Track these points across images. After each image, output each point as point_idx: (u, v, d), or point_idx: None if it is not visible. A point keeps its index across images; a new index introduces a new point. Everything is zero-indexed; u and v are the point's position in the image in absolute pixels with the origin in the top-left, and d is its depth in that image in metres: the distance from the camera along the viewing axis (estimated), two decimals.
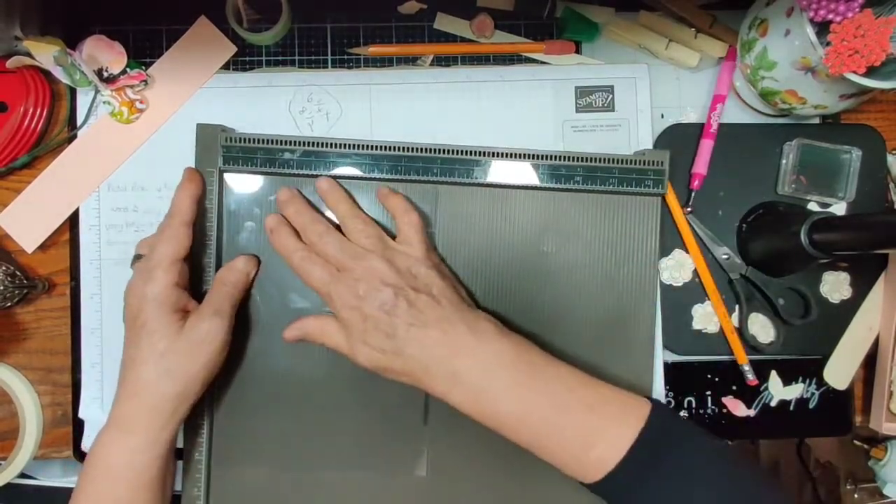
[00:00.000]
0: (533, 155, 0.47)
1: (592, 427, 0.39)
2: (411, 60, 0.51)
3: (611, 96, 0.50)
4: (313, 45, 0.51)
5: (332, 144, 0.46)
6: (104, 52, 0.47)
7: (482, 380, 0.40)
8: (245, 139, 0.46)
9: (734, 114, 0.52)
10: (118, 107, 0.47)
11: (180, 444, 0.46)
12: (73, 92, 0.49)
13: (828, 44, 0.40)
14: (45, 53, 0.45)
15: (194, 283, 0.46)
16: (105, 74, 0.47)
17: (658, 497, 0.38)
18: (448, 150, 0.46)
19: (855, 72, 0.40)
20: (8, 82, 0.47)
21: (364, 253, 0.42)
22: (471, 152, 0.46)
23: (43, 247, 0.49)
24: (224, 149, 0.46)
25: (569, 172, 0.46)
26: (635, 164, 0.47)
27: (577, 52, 0.51)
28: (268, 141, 0.46)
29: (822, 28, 0.41)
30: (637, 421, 0.39)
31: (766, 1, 0.46)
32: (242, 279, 0.45)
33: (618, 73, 0.50)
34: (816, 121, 0.52)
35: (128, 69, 0.47)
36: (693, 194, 0.50)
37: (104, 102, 0.47)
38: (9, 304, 0.48)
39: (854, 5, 0.40)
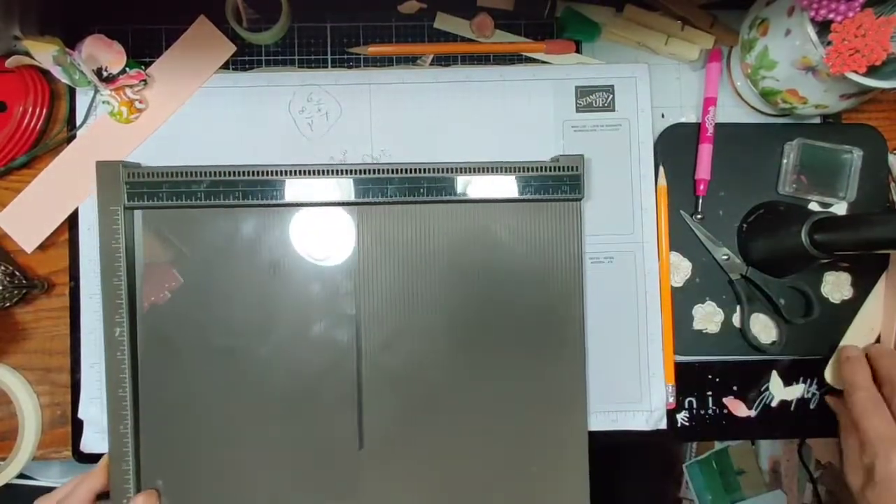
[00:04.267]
0: (448, 168, 0.46)
1: None
2: (411, 60, 0.51)
3: (611, 96, 0.50)
4: (313, 45, 0.51)
5: (239, 173, 0.45)
6: (103, 52, 0.47)
7: None
8: (149, 173, 0.45)
9: (735, 114, 0.52)
10: (117, 106, 0.47)
11: None
12: (72, 91, 0.49)
13: (829, 43, 0.40)
14: (44, 53, 0.45)
15: (108, 330, 0.45)
16: (104, 74, 0.47)
17: None
18: (362, 171, 0.46)
19: (856, 71, 0.40)
20: (7, 82, 0.47)
21: None
22: (385, 170, 0.46)
23: (42, 247, 0.49)
24: (128, 185, 0.45)
25: (484, 184, 0.46)
26: (550, 171, 0.46)
27: (578, 51, 0.51)
28: (173, 174, 0.45)
29: (823, 27, 0.41)
30: None
31: (766, 1, 0.46)
32: None
33: (618, 72, 0.50)
34: (817, 120, 0.52)
35: (127, 69, 0.47)
36: (700, 200, 0.50)
37: (103, 102, 0.47)
38: (8, 304, 0.48)
39: (855, 5, 0.40)
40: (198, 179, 0.45)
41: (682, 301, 0.50)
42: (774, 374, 0.51)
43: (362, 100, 0.49)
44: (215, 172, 0.45)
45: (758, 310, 0.50)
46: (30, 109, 0.47)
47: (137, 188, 0.45)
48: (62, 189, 0.48)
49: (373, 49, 0.50)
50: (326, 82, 0.49)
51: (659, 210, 0.50)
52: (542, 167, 0.46)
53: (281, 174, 0.45)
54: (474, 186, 0.46)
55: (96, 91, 0.47)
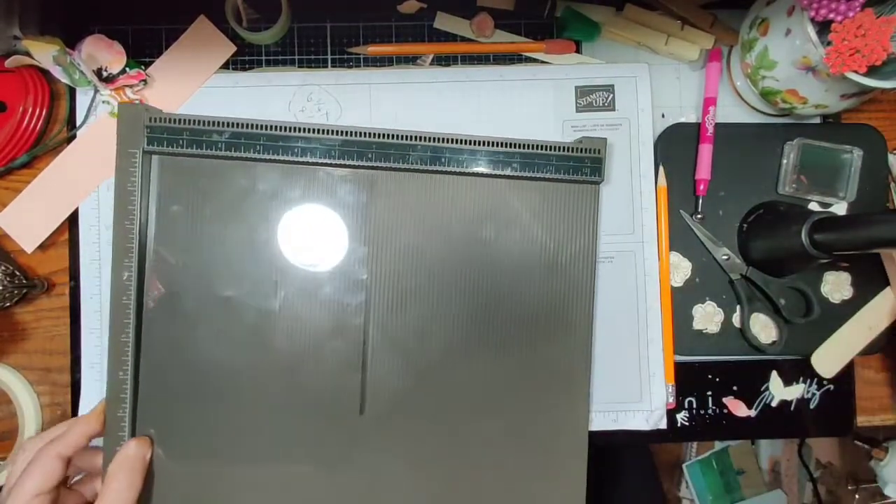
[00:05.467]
0: (470, 140, 0.46)
1: None
2: (411, 60, 0.51)
3: (611, 96, 0.50)
4: (313, 45, 0.51)
5: (262, 126, 0.45)
6: (103, 52, 0.47)
7: None
8: (171, 119, 0.45)
9: (735, 113, 0.52)
10: (117, 106, 0.47)
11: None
12: (72, 91, 0.49)
13: (829, 43, 0.40)
14: (44, 53, 0.45)
15: (115, 276, 0.44)
16: (104, 74, 0.47)
17: None
18: (384, 135, 0.46)
19: (856, 71, 0.40)
20: (7, 82, 0.47)
21: None
22: (408, 137, 0.46)
23: (42, 247, 0.49)
24: (148, 129, 0.44)
25: (507, 159, 0.46)
26: (572, 151, 0.47)
27: (578, 51, 0.51)
28: (195, 122, 0.45)
29: (823, 27, 0.41)
30: None
31: (766, 0, 0.46)
32: (139, 468, 0.42)
33: (618, 72, 0.50)
34: (817, 120, 0.52)
35: (127, 69, 0.47)
36: (701, 200, 0.50)
37: (103, 102, 0.47)
38: (8, 304, 0.48)
39: (855, 5, 0.40)
40: (220, 129, 0.44)
41: (682, 301, 0.50)
42: (774, 374, 0.51)
43: (362, 100, 0.49)
44: (238, 124, 0.45)
45: (758, 310, 0.50)
46: (30, 109, 0.47)
47: (157, 132, 0.44)
48: (62, 189, 0.48)
49: (373, 49, 0.50)
50: (326, 82, 0.49)
51: (659, 210, 0.50)
52: (564, 147, 0.47)
53: (304, 131, 0.45)
54: (494, 161, 0.46)
55: (96, 91, 0.47)
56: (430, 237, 0.46)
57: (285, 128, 0.45)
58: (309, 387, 0.46)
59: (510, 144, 0.46)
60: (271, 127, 0.45)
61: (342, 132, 0.45)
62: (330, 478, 0.46)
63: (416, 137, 0.46)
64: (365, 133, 0.45)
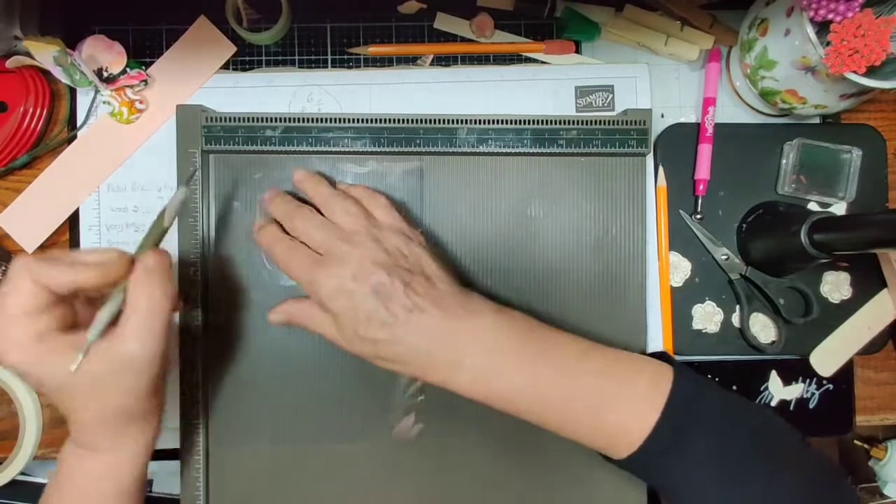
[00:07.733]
0: (515, 120, 0.47)
1: (607, 393, 0.37)
2: (411, 60, 0.51)
3: (611, 96, 0.50)
4: (313, 45, 0.51)
5: (313, 119, 0.46)
6: (104, 52, 0.47)
7: (486, 360, 0.37)
8: (226, 118, 0.46)
9: (734, 113, 0.52)
10: (118, 107, 0.47)
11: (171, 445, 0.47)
12: (72, 92, 0.49)
13: (828, 43, 0.40)
14: (44, 53, 0.45)
15: (182, 270, 0.46)
16: (105, 74, 0.47)
17: (692, 472, 0.36)
18: (431, 120, 0.47)
19: (855, 71, 0.40)
20: (8, 82, 0.47)
21: (349, 234, 0.39)
22: (453, 120, 0.47)
23: (43, 247, 0.49)
24: (205, 129, 0.46)
25: (552, 136, 0.47)
26: (618, 124, 0.47)
27: (577, 51, 0.51)
28: (249, 119, 0.46)
29: (823, 28, 0.41)
30: (658, 389, 0.37)
31: (766, 1, 0.46)
32: (166, 277, 0.37)
33: (618, 72, 0.50)
34: (817, 120, 0.52)
35: (127, 69, 0.47)
36: (700, 200, 0.50)
37: (104, 102, 0.47)
38: None
39: (854, 5, 0.40)
40: (273, 125, 0.46)
41: (681, 301, 0.50)
42: (774, 373, 0.51)
43: (362, 100, 0.49)
44: (290, 118, 0.46)
45: (757, 309, 0.50)
46: (30, 110, 0.47)
47: (214, 132, 0.46)
48: (63, 189, 0.48)
49: (373, 49, 0.50)
50: (326, 82, 0.49)
51: (659, 210, 0.50)
52: (609, 121, 0.47)
53: (354, 121, 0.46)
54: (540, 139, 0.47)
55: (97, 91, 0.48)
56: (479, 217, 0.47)
57: (336, 119, 0.46)
58: (371, 366, 0.46)
59: (555, 122, 0.47)
60: (322, 119, 0.46)
61: (390, 120, 0.46)
62: (396, 456, 0.48)
63: (462, 120, 0.47)
64: (412, 119, 0.46)
